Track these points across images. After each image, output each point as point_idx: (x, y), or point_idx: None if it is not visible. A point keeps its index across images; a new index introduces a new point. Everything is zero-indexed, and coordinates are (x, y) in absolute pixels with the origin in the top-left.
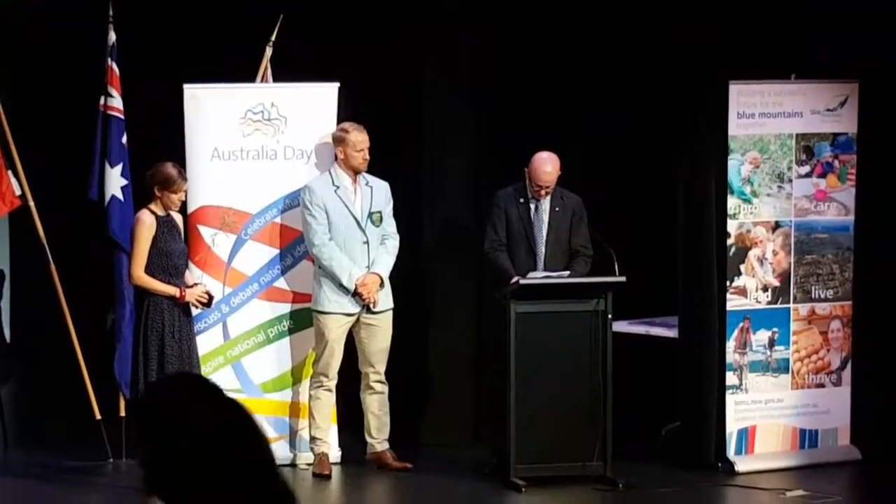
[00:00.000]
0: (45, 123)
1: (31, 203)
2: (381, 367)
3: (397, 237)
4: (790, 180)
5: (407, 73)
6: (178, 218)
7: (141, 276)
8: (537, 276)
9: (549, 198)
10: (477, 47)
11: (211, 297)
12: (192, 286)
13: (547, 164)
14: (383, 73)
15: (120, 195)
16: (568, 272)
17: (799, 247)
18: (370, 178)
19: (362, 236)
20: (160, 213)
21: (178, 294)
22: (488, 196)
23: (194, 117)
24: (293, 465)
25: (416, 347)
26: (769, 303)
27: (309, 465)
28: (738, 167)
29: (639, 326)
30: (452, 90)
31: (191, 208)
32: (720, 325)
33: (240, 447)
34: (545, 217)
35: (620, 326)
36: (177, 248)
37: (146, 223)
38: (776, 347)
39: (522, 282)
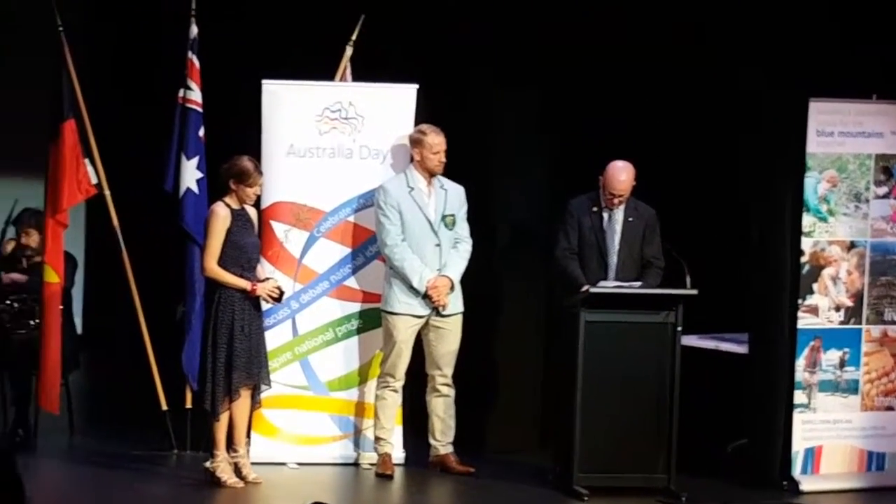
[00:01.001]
0: (124, 113)
1: (107, 192)
2: (449, 371)
3: (470, 241)
4: (867, 200)
5: (483, 77)
6: (252, 212)
7: (213, 268)
8: (608, 286)
9: (622, 208)
10: (555, 53)
11: (282, 293)
12: (263, 280)
13: (622, 173)
14: (461, 76)
15: (195, 188)
16: (639, 283)
17: (873, 267)
18: (445, 181)
19: (435, 239)
20: (235, 206)
21: (249, 288)
22: (560, 203)
23: (272, 113)
24: (356, 464)
25: (484, 352)
26: (841, 323)
27: (372, 464)
28: (814, 185)
29: (708, 341)
30: (528, 96)
31: (265, 203)
32: (791, 343)
33: None
34: (618, 227)
35: (690, 340)
36: (250, 242)
37: (220, 216)
38: (846, 368)
39: (593, 290)
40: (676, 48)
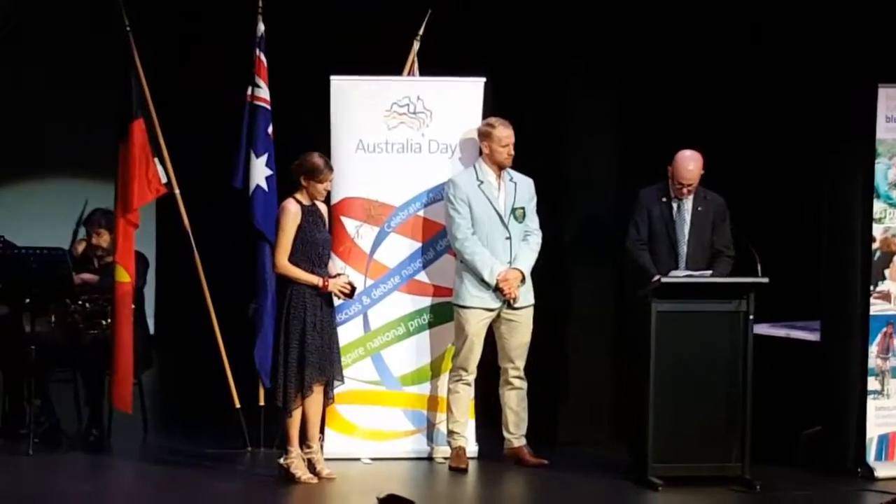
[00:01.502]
0: (192, 112)
1: (177, 191)
2: (521, 363)
3: (540, 233)
4: None
5: (551, 70)
6: (322, 208)
7: (285, 264)
8: (679, 275)
9: (691, 197)
10: (622, 45)
11: (353, 288)
12: (335, 276)
13: (690, 163)
14: (528, 68)
15: (265, 185)
16: (710, 272)
17: None
18: (514, 173)
19: (505, 232)
20: (306, 202)
21: (321, 284)
22: (630, 194)
23: (340, 109)
24: (430, 458)
25: (556, 344)
26: None
27: (446, 458)
28: (885, 171)
29: (780, 329)
30: (597, 88)
31: (334, 199)
32: (863, 330)
33: None
34: (687, 217)
35: (762, 329)
36: (321, 238)
37: (291, 212)
38: None
39: (664, 280)
40: (745, 38)
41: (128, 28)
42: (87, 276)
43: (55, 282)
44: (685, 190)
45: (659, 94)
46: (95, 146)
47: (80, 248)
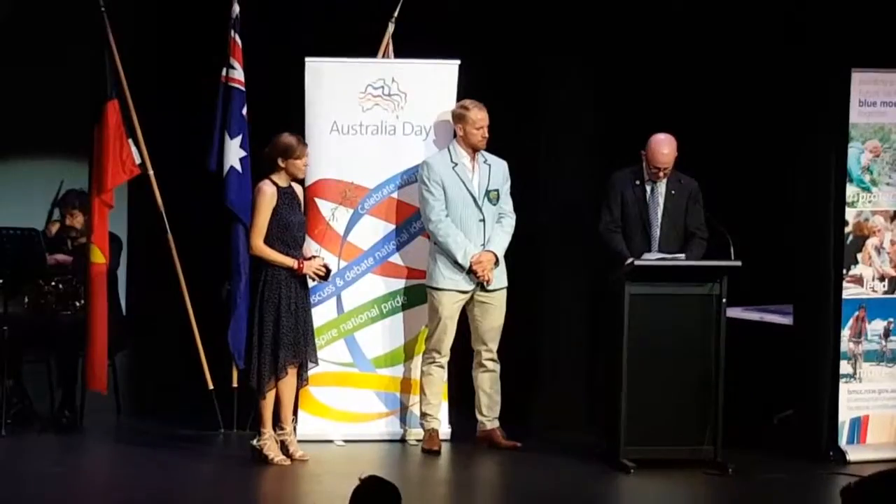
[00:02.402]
0: (166, 93)
1: (151, 172)
2: (494, 346)
3: (514, 216)
4: None
5: (526, 53)
6: (298, 190)
7: (260, 246)
8: (651, 258)
9: (665, 180)
10: (597, 28)
11: (329, 270)
12: (310, 258)
13: (664, 146)
14: (503, 51)
15: (238, 166)
16: (683, 255)
17: None
18: (489, 156)
19: (479, 214)
20: (282, 184)
21: (296, 266)
22: (604, 177)
23: (315, 91)
24: (403, 440)
25: (529, 327)
26: (885, 292)
27: (419, 440)
28: (857, 155)
29: (753, 313)
30: (571, 70)
31: (309, 181)
32: (835, 314)
33: None
34: (661, 200)
35: (735, 312)
36: (296, 220)
37: (267, 194)
38: (891, 337)
39: (637, 263)
40: (717, 19)
41: (102, 8)
42: (60, 256)
43: (28, 262)
44: (661, 173)
45: (633, 77)
46: (70, 127)
47: (54, 229)
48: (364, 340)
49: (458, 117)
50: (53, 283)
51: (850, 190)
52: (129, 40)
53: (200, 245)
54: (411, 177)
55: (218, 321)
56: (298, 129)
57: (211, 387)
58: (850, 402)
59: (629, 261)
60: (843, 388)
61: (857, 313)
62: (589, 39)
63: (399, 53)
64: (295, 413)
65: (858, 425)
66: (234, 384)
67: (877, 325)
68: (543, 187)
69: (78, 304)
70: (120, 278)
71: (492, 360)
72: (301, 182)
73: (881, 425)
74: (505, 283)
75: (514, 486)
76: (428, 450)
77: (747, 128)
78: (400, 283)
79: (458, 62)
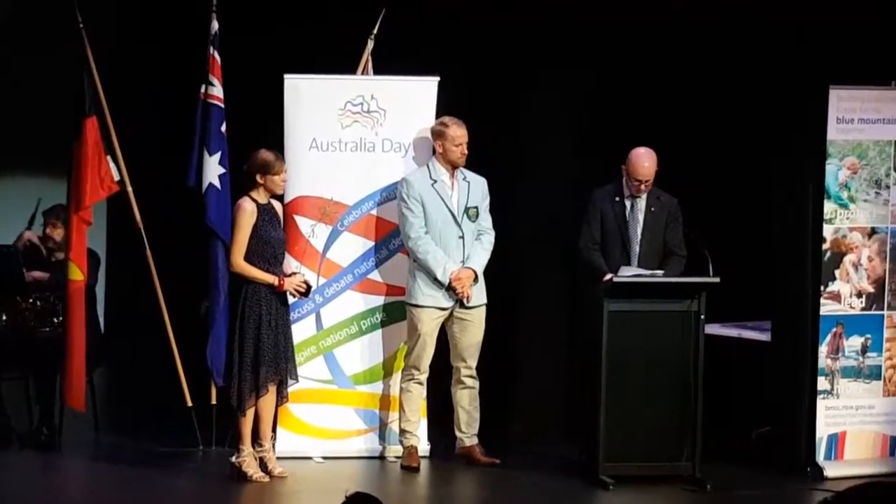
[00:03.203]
0: (145, 110)
1: (129, 189)
2: (473, 362)
3: (493, 233)
4: (888, 187)
5: (506, 69)
6: (277, 207)
7: (241, 263)
8: (628, 273)
9: (645, 197)
10: (577, 44)
11: (309, 287)
12: (290, 275)
13: (645, 160)
14: (482, 68)
15: (217, 183)
16: (661, 271)
17: (894, 253)
18: (468, 173)
19: (458, 231)
20: (261, 200)
21: (276, 283)
22: (584, 194)
23: (294, 108)
24: (382, 457)
25: (508, 343)
26: (863, 309)
27: (398, 457)
28: (835, 172)
29: (731, 329)
30: (551, 87)
31: (288, 198)
32: (813, 330)
33: None
34: (640, 217)
35: (713, 329)
36: (276, 237)
37: (247, 211)
38: (868, 354)
39: (616, 279)
40: (697, 37)
41: (80, 25)
42: (38, 273)
43: (6, 279)
44: (642, 187)
45: (613, 93)
46: (48, 144)
47: (26, 239)
48: (343, 357)
49: (438, 134)
50: (31, 301)
51: (828, 207)
52: (108, 57)
53: (179, 262)
54: (390, 194)
55: (197, 338)
56: (278, 145)
57: (190, 404)
58: (828, 418)
59: (608, 277)
60: (821, 404)
61: (834, 329)
62: (569, 56)
63: (378, 70)
64: (274, 430)
65: (836, 441)
66: (213, 401)
67: (854, 342)
68: (522, 204)
69: (56, 320)
70: (98, 295)
71: (471, 376)
72: (280, 199)
73: (858, 441)
74: (484, 299)
75: (492, 503)
76: (407, 466)
77: (726, 144)
78: (379, 300)
79: (438, 79)
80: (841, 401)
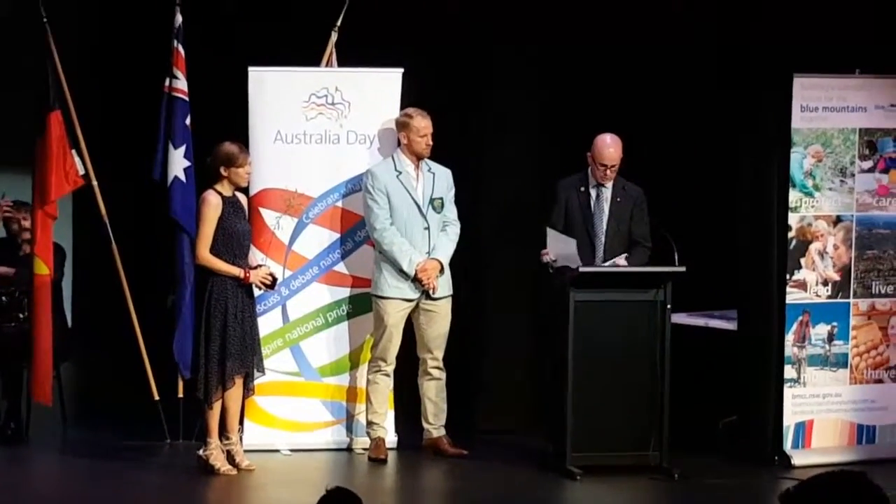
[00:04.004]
0: (110, 103)
1: (95, 182)
2: (440, 354)
3: (458, 224)
4: (852, 175)
5: (470, 60)
6: (242, 199)
7: (207, 256)
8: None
9: (610, 187)
10: (540, 35)
11: (275, 279)
12: (256, 268)
13: (610, 144)
14: (447, 59)
15: (182, 176)
16: (625, 255)
17: (860, 241)
18: (433, 164)
19: (423, 222)
20: (226, 193)
21: (242, 275)
22: (549, 184)
23: (258, 100)
24: (349, 449)
25: (475, 334)
26: (829, 297)
27: (365, 449)
28: (800, 160)
29: (698, 318)
30: (515, 78)
31: (253, 190)
32: (779, 319)
33: None
34: (606, 206)
35: (680, 318)
36: (242, 230)
37: (212, 203)
38: (835, 342)
39: (582, 269)
40: (664, 26)
41: (44, 19)
42: (2, 269)
43: None
44: (607, 172)
45: (578, 83)
46: (12, 138)
47: None
48: (310, 349)
49: (402, 125)
50: None
51: (793, 195)
52: (72, 50)
53: (145, 255)
54: (356, 185)
55: (163, 331)
56: (242, 138)
57: (156, 397)
58: (795, 406)
59: (574, 266)
60: (788, 392)
61: (800, 318)
62: (533, 45)
63: (342, 62)
64: (241, 423)
65: (803, 430)
66: (180, 394)
67: (820, 330)
68: (487, 195)
69: (22, 315)
70: (65, 289)
71: (437, 367)
72: (245, 191)
73: (826, 430)
74: (450, 290)
75: (461, 494)
76: (374, 458)
77: (691, 133)
78: (345, 292)
79: (402, 70)
80: (808, 389)
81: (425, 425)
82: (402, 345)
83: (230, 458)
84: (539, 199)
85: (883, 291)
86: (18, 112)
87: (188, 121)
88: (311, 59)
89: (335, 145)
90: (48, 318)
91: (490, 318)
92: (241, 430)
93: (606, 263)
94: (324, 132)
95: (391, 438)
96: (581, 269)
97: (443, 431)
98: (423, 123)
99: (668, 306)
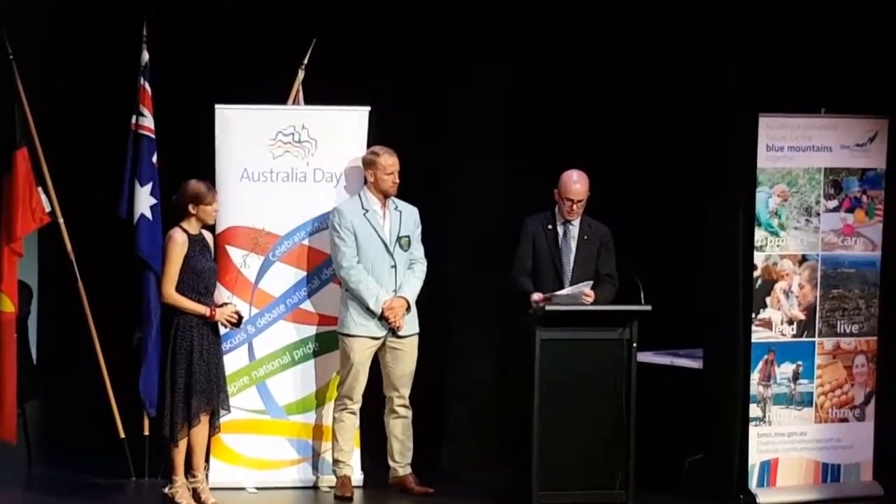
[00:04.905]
0: (76, 141)
1: (61, 220)
2: (406, 392)
3: (425, 262)
4: (818, 214)
5: (436, 98)
6: (208, 237)
7: (172, 294)
8: (563, 292)
9: (577, 225)
10: (505, 73)
11: (241, 317)
12: (221, 305)
13: (576, 180)
14: (412, 98)
15: (149, 214)
16: (591, 282)
17: (825, 281)
18: (399, 202)
19: (390, 260)
20: (193, 231)
21: (208, 313)
22: (514, 222)
23: (225, 138)
24: (315, 487)
25: (441, 372)
26: (794, 336)
27: (331, 487)
28: (766, 200)
29: (664, 357)
30: (482, 116)
31: (219, 228)
32: (745, 357)
33: None
34: (573, 244)
35: (646, 357)
36: (207, 267)
37: (178, 241)
38: (800, 381)
39: (548, 308)
40: (631, 64)
41: (10, 56)
42: None
43: None
44: (574, 207)
45: (544, 121)
46: None
47: None
48: (276, 387)
49: (369, 163)
50: None
51: (759, 234)
52: (39, 87)
53: (111, 293)
54: (322, 223)
55: (129, 369)
56: (209, 176)
57: (122, 435)
58: (760, 444)
59: (535, 297)
60: (753, 431)
61: (766, 357)
62: (499, 83)
63: (309, 101)
64: (207, 460)
65: (768, 468)
66: (146, 432)
67: (786, 369)
68: (454, 233)
69: None
70: (30, 326)
71: (404, 405)
72: (211, 229)
73: (791, 468)
74: (416, 328)
75: None
76: (340, 496)
77: (658, 173)
78: (311, 330)
79: (369, 108)
80: (773, 427)
81: (391, 463)
82: (369, 383)
83: (196, 495)
84: (507, 236)
85: (848, 331)
86: None
87: (155, 158)
88: (278, 96)
89: (302, 183)
90: (13, 355)
91: (456, 356)
92: (206, 468)
93: (571, 288)
94: (290, 170)
95: (357, 476)
96: (547, 308)
97: (409, 469)
98: (389, 161)
99: (634, 345)
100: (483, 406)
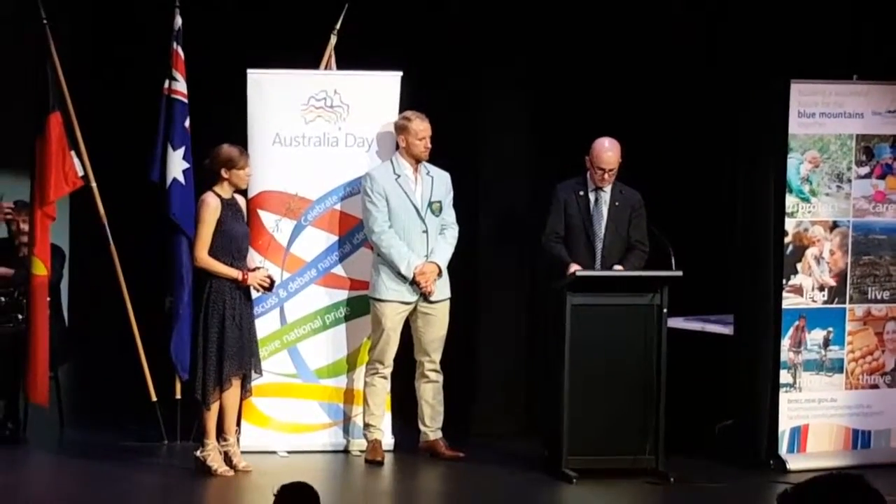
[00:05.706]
0: (109, 105)
1: (94, 184)
2: (437, 357)
3: (456, 227)
4: (849, 181)
5: (468, 63)
6: (241, 201)
7: (205, 258)
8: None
9: (609, 191)
10: (537, 41)
11: (273, 282)
12: (254, 270)
13: (608, 148)
14: (445, 63)
15: (181, 178)
16: (620, 267)
17: (856, 247)
18: (431, 167)
19: (422, 225)
20: (225, 195)
21: (240, 277)
22: (545, 188)
23: (257, 103)
24: (346, 451)
25: (472, 337)
26: (825, 302)
27: (362, 451)
28: (797, 166)
29: (695, 323)
30: (513, 81)
31: (251, 193)
32: (775, 324)
33: None
34: (604, 210)
35: (676, 322)
36: (240, 231)
37: (211, 206)
38: (831, 347)
39: (579, 273)
40: (660, 35)
41: (44, 21)
42: (1, 269)
43: None
44: (605, 176)
45: (575, 88)
46: (10, 140)
47: None
48: (307, 351)
49: (401, 128)
50: None
51: (790, 200)
52: (72, 52)
53: (143, 257)
54: (354, 188)
55: (161, 333)
56: (241, 140)
57: (154, 398)
58: (791, 411)
59: (572, 269)
60: (784, 397)
61: (796, 323)
62: (530, 50)
63: (341, 65)
64: (238, 424)
65: (798, 434)
66: (177, 395)
67: (816, 335)
68: (486, 198)
69: (20, 317)
70: (63, 291)
71: (434, 370)
72: (244, 193)
73: (821, 434)
74: (448, 294)
75: (456, 497)
76: (371, 460)
77: (689, 139)
78: (343, 295)
79: (401, 73)
80: (803, 394)
81: (422, 428)
82: (400, 347)
83: (227, 459)
84: (537, 203)
85: (879, 297)
86: (18, 113)
87: (187, 123)
88: (310, 61)
89: (334, 148)
90: (45, 319)
91: (487, 322)
92: (238, 432)
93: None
94: (322, 135)
95: (388, 441)
96: (578, 273)
97: (439, 434)
98: (421, 126)
99: (665, 310)
100: (514, 372)
